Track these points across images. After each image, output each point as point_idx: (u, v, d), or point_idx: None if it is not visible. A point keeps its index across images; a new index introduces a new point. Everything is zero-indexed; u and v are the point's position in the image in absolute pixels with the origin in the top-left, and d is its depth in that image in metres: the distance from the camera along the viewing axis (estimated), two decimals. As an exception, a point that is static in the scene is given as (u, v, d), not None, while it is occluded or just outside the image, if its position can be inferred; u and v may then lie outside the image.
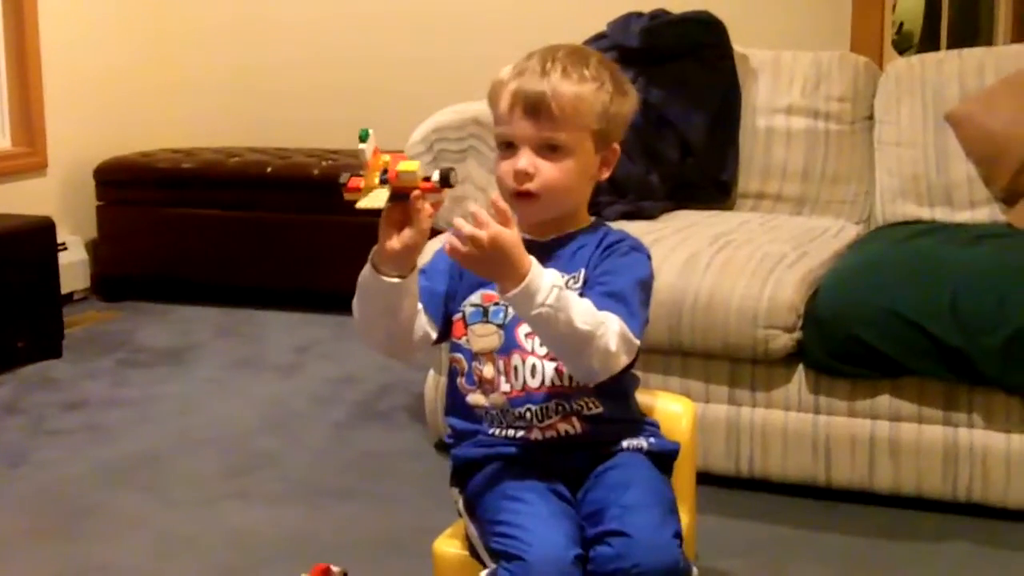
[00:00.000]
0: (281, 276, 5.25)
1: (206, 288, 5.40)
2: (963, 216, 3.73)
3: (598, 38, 4.09)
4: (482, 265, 1.75)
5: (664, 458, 2.01)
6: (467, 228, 1.71)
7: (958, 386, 2.93)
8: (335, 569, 2.42)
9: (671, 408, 2.19)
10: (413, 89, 5.56)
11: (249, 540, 2.95)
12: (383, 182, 1.76)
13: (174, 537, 2.96)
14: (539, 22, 5.35)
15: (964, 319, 2.86)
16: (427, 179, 1.76)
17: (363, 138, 1.76)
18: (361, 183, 1.76)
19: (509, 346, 1.94)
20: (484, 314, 1.96)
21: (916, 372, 2.93)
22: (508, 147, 1.94)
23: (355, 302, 1.90)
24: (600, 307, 1.83)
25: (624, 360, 1.86)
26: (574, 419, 1.94)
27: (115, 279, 5.50)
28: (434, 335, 1.97)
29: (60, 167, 5.43)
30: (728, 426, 3.12)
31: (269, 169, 5.23)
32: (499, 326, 1.95)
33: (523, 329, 1.93)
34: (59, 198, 5.41)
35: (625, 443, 1.97)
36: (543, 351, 1.92)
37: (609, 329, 1.81)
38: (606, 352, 1.81)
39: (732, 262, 3.13)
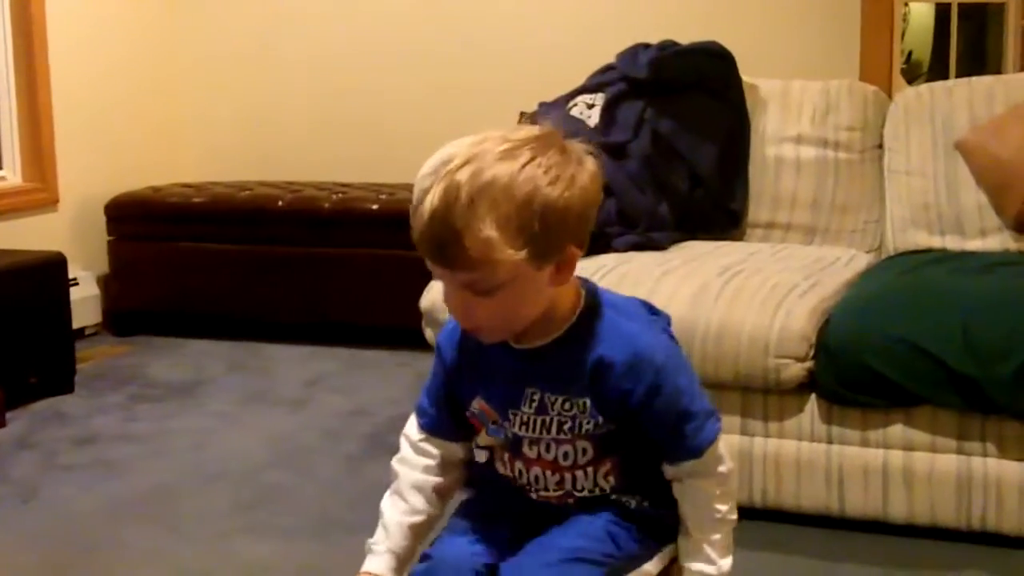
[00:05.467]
0: (291, 310, 5.25)
1: (217, 322, 5.41)
2: (974, 244, 3.72)
3: (607, 69, 4.10)
4: None
5: (651, 520, 1.86)
6: None
7: (971, 415, 2.91)
8: None
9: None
10: (422, 122, 5.57)
11: (260, 574, 2.94)
12: None
13: (186, 572, 2.96)
14: (549, 55, 5.36)
15: (976, 348, 2.85)
16: None
17: None
18: None
19: (514, 455, 1.86)
20: (486, 422, 1.88)
21: (928, 401, 2.93)
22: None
23: None
24: (673, 438, 1.78)
25: (727, 467, 1.82)
26: (569, 499, 1.87)
27: (126, 314, 5.51)
28: (463, 454, 1.93)
29: (71, 203, 5.44)
30: (741, 456, 3.11)
31: (280, 203, 5.24)
32: (503, 441, 1.86)
33: (527, 442, 1.83)
34: (70, 233, 5.42)
35: (614, 495, 1.86)
36: (549, 457, 1.82)
37: (719, 505, 1.82)
38: (732, 495, 1.84)
39: (743, 292, 3.12)
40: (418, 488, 1.88)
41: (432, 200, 1.62)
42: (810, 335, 3.01)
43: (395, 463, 1.93)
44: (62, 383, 4.52)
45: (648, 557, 1.85)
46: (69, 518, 3.31)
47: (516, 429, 1.81)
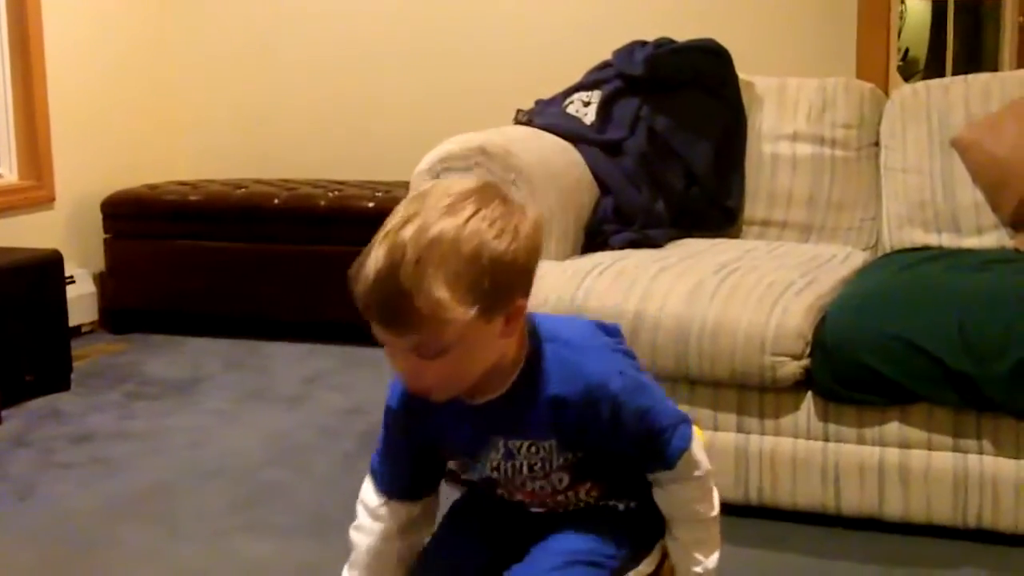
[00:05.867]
0: (288, 307, 5.25)
1: (214, 320, 5.40)
2: (970, 242, 3.73)
3: (603, 67, 4.10)
4: None
5: (640, 521, 1.87)
6: None
7: (967, 412, 2.91)
8: None
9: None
10: (418, 120, 5.57)
11: (258, 573, 2.94)
12: None
13: (183, 570, 2.96)
14: (545, 52, 5.36)
15: (972, 345, 2.85)
16: None
17: None
18: None
19: (492, 488, 1.87)
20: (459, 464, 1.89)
21: (924, 398, 2.93)
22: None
23: None
24: (645, 453, 1.77)
25: (703, 470, 1.81)
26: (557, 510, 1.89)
27: (123, 311, 5.50)
28: (426, 509, 1.92)
29: (67, 200, 5.44)
30: (737, 454, 3.11)
31: (276, 201, 5.23)
32: (479, 479, 1.86)
33: (501, 482, 1.83)
34: (66, 231, 5.42)
35: (602, 502, 1.87)
36: (527, 489, 1.83)
37: (699, 507, 1.83)
38: (712, 493, 1.84)
39: (739, 289, 3.12)
40: (377, 555, 1.88)
41: (376, 262, 1.55)
42: (806, 332, 3.01)
43: (353, 532, 1.91)
44: (58, 381, 4.51)
45: (642, 556, 1.86)
46: (66, 516, 3.31)
47: (488, 472, 1.81)
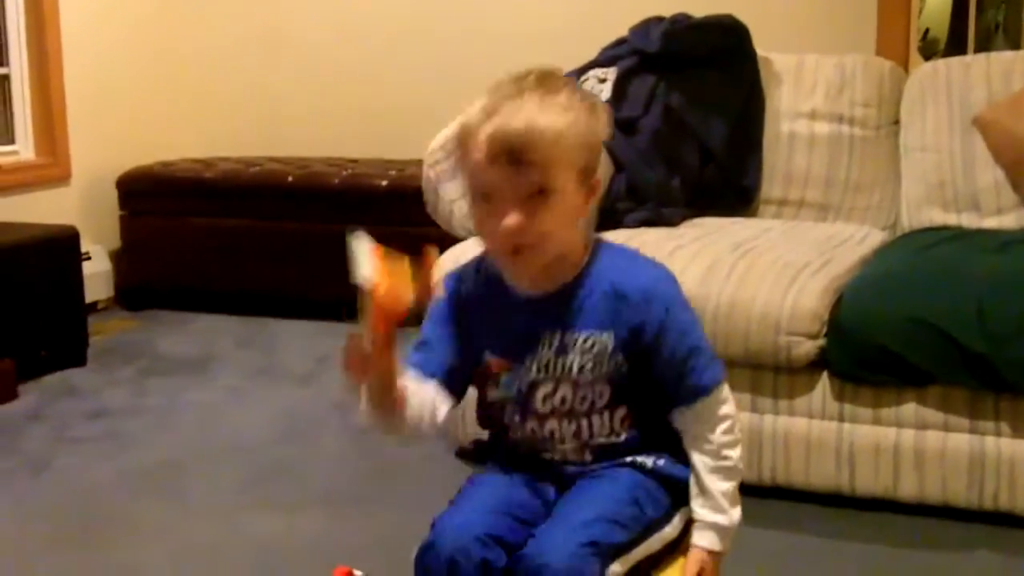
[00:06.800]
0: (301, 285, 5.24)
1: (227, 297, 5.40)
2: (990, 222, 3.69)
3: (619, 43, 4.08)
4: None
5: (667, 481, 1.88)
6: None
7: (984, 394, 2.89)
8: (357, 573, 2.39)
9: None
10: (431, 98, 5.54)
11: (269, 548, 2.94)
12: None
13: (194, 545, 2.96)
14: (561, 28, 5.33)
15: (990, 327, 2.83)
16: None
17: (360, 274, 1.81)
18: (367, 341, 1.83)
19: (526, 413, 1.86)
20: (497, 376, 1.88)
21: (941, 380, 2.90)
22: (487, 198, 1.73)
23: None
24: (681, 375, 1.82)
25: (731, 408, 1.86)
26: (586, 451, 1.88)
27: (138, 289, 5.51)
28: (446, 407, 1.88)
29: (83, 177, 5.44)
30: (751, 434, 3.09)
31: (289, 179, 5.22)
32: (514, 396, 1.86)
33: (541, 394, 1.84)
34: (82, 208, 5.42)
35: (629, 458, 1.87)
36: (564, 408, 1.83)
37: (729, 452, 1.85)
38: (738, 442, 1.87)
39: (754, 269, 3.10)
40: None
41: (505, 103, 1.70)
42: (822, 313, 2.98)
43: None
44: (74, 357, 4.53)
45: (668, 520, 1.87)
46: (79, 491, 3.31)
47: (533, 374, 1.82)
